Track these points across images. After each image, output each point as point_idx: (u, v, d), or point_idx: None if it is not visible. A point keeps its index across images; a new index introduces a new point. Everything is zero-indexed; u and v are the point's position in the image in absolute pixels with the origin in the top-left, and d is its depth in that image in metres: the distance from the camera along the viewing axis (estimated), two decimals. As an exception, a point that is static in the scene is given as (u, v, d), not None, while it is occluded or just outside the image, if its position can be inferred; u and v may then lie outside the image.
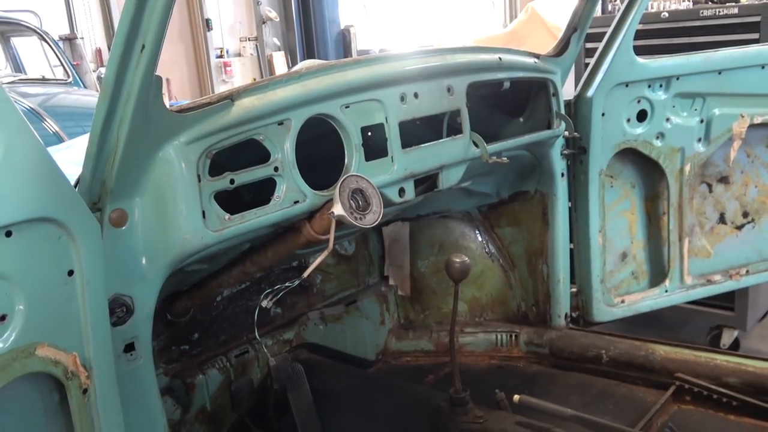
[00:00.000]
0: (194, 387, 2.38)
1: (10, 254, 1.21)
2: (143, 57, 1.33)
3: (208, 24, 11.98)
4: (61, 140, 4.82)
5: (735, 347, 3.82)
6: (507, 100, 2.72)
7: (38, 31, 6.16)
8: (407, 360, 3.06)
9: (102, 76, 7.61)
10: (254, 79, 12.63)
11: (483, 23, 15.46)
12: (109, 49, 10.80)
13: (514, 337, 2.99)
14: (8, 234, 1.21)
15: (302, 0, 6.29)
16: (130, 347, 1.53)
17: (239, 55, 12.59)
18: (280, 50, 12.62)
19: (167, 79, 10.41)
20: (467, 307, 3.09)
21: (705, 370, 2.55)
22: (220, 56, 12.25)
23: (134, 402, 1.53)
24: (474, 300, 3.09)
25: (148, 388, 1.58)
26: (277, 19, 12.43)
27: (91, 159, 1.40)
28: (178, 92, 11.05)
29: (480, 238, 3.08)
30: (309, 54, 6.47)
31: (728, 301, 3.72)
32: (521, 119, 2.75)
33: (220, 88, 12.19)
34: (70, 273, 1.32)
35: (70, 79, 6.19)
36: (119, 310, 1.49)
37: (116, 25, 10.26)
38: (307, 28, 6.48)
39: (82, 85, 6.33)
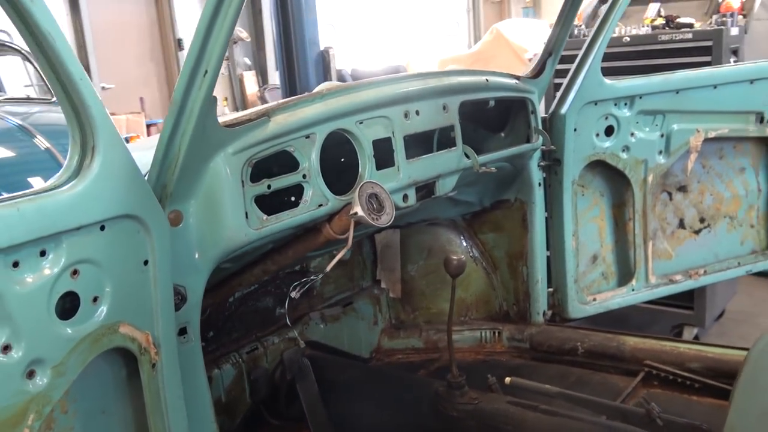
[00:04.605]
0: (210, 380, 2.59)
1: (102, 245, 1.44)
2: (205, 80, 1.58)
3: (179, 44, 12.17)
4: (53, 157, 4.96)
5: (695, 344, 4.14)
6: (489, 118, 3.00)
7: (23, 51, 6.28)
8: (399, 357, 3.31)
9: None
10: (225, 99, 12.84)
11: (448, 44, 15.92)
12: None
13: (497, 334, 3.26)
14: (102, 228, 1.44)
15: (282, 22, 6.55)
16: (182, 331, 1.76)
17: (210, 74, 12.75)
18: (251, 69, 12.86)
19: (141, 98, 10.56)
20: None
21: (670, 357, 2.84)
22: (192, 75, 12.40)
23: (186, 377, 1.75)
24: (460, 300, 3.34)
25: (197, 366, 1.80)
26: (248, 39, 12.67)
27: (156, 166, 1.64)
28: (150, 111, 11.19)
29: (464, 244, 3.35)
30: (290, 74, 6.73)
31: (688, 301, 4.05)
32: (502, 134, 3.04)
33: (192, 107, 12.33)
34: (145, 263, 1.55)
35: (54, 98, 6.32)
36: (175, 298, 1.72)
37: (89, 45, 10.38)
38: (287, 49, 6.72)
39: (65, 104, 6.46)
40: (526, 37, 12.34)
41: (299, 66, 6.82)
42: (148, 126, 9.48)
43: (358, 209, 1.94)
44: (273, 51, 13.02)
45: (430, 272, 3.34)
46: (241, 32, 12.44)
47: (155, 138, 2.68)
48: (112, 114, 9.15)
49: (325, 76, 7.11)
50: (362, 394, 2.68)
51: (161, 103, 12.20)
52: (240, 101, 12.59)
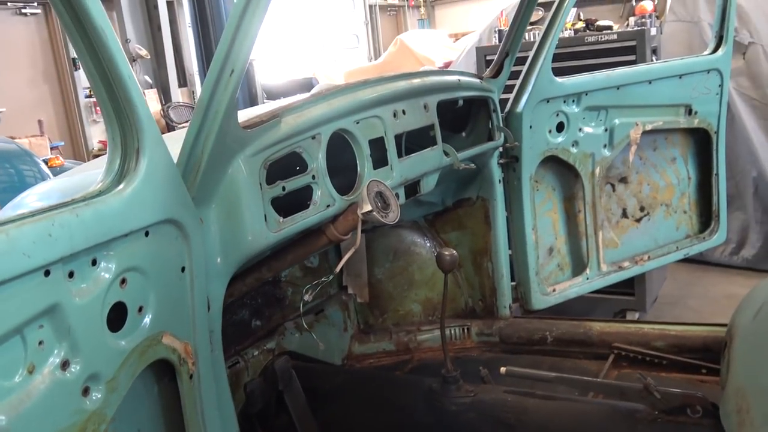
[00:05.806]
0: None
1: (147, 252, 1.37)
2: (232, 80, 1.54)
3: (74, 63, 11.64)
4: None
5: (636, 328, 4.35)
6: (448, 119, 3.07)
7: None
8: (371, 362, 3.30)
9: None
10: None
11: (350, 56, 16.05)
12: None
13: (466, 330, 3.32)
14: (146, 234, 1.37)
15: (202, 34, 6.38)
16: None
17: (109, 93, 12.25)
18: (152, 87, 12.46)
19: (40, 120, 10.02)
20: (421, 308, 3.39)
21: (636, 338, 2.98)
22: (90, 96, 11.92)
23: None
24: (427, 300, 3.39)
25: (221, 374, 1.74)
26: (148, 57, 12.28)
27: (179, 169, 1.57)
28: (49, 134, 10.61)
29: (428, 244, 3.39)
30: (212, 88, 6.58)
31: (629, 287, 4.26)
32: (463, 134, 3.11)
33: (91, 129, 11.87)
34: (183, 269, 1.49)
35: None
36: (200, 306, 1.65)
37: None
38: (209, 61, 6.53)
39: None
40: (429, 47, 12.67)
41: (222, 79, 6.66)
42: (52, 149, 8.99)
43: (367, 207, 1.93)
44: (174, 68, 12.74)
45: (396, 274, 3.36)
46: (140, 50, 12.05)
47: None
48: (12, 137, 8.65)
49: (249, 89, 6.98)
50: (352, 399, 2.66)
51: (58, 126, 11.62)
52: (143, 121, 12.13)
